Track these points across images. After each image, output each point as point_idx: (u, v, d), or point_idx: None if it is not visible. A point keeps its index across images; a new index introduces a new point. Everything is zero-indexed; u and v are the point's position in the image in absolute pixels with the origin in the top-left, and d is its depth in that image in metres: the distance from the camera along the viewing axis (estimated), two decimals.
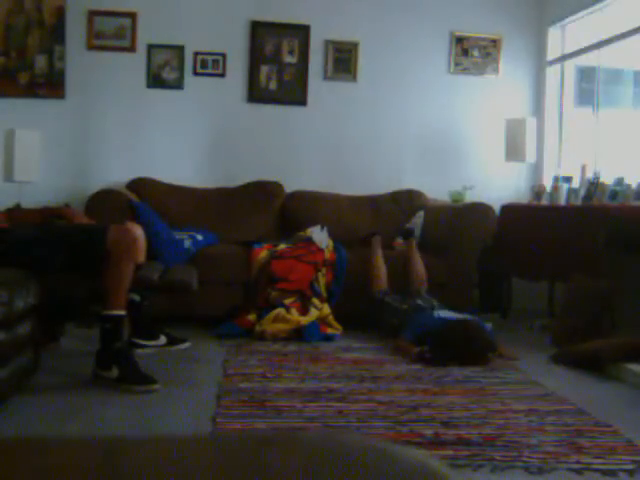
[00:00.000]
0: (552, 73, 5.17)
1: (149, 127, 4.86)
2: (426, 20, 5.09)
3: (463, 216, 4.22)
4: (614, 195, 3.97)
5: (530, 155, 4.91)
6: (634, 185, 3.91)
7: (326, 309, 3.89)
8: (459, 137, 5.16)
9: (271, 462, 0.50)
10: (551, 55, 5.15)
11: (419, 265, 4.05)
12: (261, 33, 4.93)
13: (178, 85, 4.87)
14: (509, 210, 4.57)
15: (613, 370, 3.08)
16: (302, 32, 4.96)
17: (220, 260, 3.98)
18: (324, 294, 3.97)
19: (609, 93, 4.91)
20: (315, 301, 3.89)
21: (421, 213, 4.62)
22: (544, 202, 4.59)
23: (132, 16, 4.77)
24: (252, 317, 3.77)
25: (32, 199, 4.23)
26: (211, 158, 4.94)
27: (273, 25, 4.94)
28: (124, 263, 2.61)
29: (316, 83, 5.01)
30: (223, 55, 4.90)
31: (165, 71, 4.85)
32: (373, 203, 4.80)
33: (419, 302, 3.74)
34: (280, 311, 3.73)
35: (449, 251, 4.14)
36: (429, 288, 4.02)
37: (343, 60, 5.02)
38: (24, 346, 2.43)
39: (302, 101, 4.99)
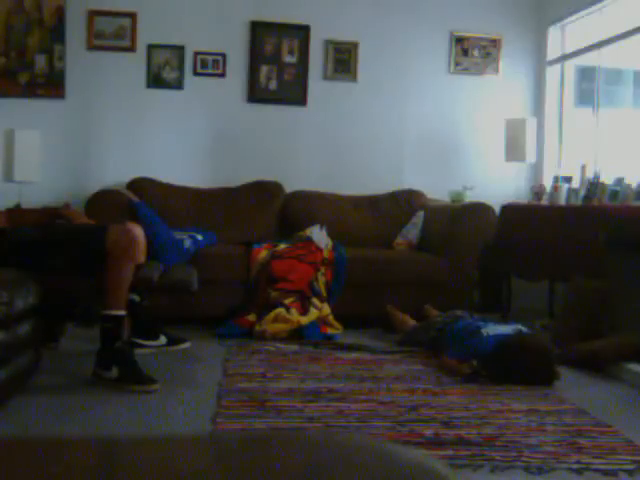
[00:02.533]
0: (552, 73, 5.17)
1: (149, 127, 4.86)
2: (426, 20, 5.09)
3: (463, 216, 4.22)
4: (614, 195, 3.97)
5: (530, 155, 4.91)
6: (634, 185, 3.91)
7: (326, 309, 3.89)
8: (459, 137, 5.16)
9: (271, 462, 0.50)
10: (551, 55, 5.15)
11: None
12: (261, 33, 4.93)
13: (178, 85, 4.87)
14: (509, 210, 4.57)
15: (613, 370, 3.08)
16: (302, 32, 4.96)
17: (220, 260, 3.98)
18: (324, 294, 3.97)
19: (609, 93, 4.91)
20: (315, 301, 3.89)
21: (421, 213, 4.62)
22: (544, 202, 4.59)
23: (132, 16, 4.77)
24: (252, 317, 3.77)
25: (32, 199, 4.23)
26: (211, 158, 4.94)
27: (273, 25, 4.94)
28: (124, 263, 2.61)
29: (316, 83, 5.01)
30: (223, 55, 4.90)
31: (165, 71, 4.85)
32: (373, 203, 4.80)
33: (457, 312, 3.53)
34: (280, 311, 3.73)
35: (449, 251, 4.14)
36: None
37: (343, 60, 5.02)
38: (24, 346, 2.43)
39: (302, 101, 4.99)
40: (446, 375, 2.97)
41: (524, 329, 3.10)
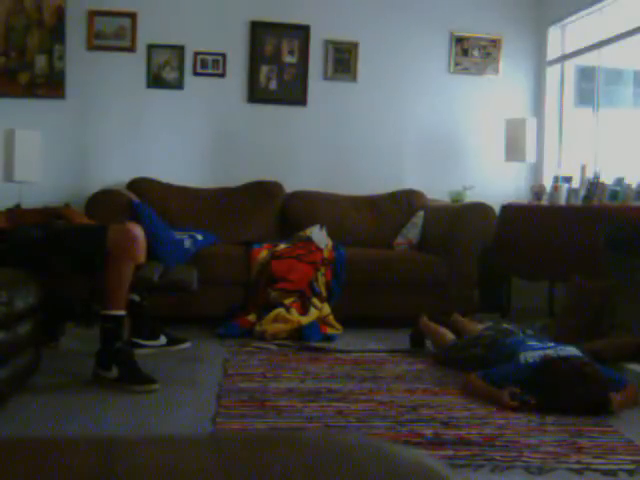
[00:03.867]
0: (552, 73, 5.17)
1: (149, 127, 4.85)
2: (426, 20, 5.09)
3: (463, 216, 4.22)
4: (614, 195, 3.97)
5: (530, 155, 4.91)
6: (634, 185, 3.91)
7: (326, 309, 3.89)
8: (459, 137, 5.16)
9: (271, 462, 0.50)
10: (551, 55, 5.15)
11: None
12: (261, 33, 4.93)
13: (178, 85, 4.87)
14: (509, 210, 4.57)
15: None
16: (302, 32, 4.96)
17: (220, 260, 3.98)
18: (324, 294, 3.97)
19: (609, 93, 4.92)
20: (315, 301, 3.89)
21: (421, 213, 4.62)
22: (544, 202, 4.59)
23: (132, 16, 4.77)
24: (252, 317, 3.77)
25: (32, 199, 4.23)
26: (211, 158, 4.94)
27: (273, 25, 4.94)
28: (124, 263, 2.61)
29: (316, 83, 5.01)
30: (223, 55, 4.90)
31: (165, 71, 4.85)
32: (373, 203, 4.80)
33: (504, 325, 3.09)
34: (280, 311, 3.73)
35: (449, 251, 4.15)
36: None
37: (343, 60, 5.02)
38: (24, 346, 2.43)
39: (302, 101, 4.99)
40: (474, 399, 2.59)
41: (569, 352, 2.69)
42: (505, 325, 3.07)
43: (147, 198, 4.39)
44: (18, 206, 4.04)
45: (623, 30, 4.36)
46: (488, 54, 5.17)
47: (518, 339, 2.89)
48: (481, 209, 4.21)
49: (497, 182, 5.09)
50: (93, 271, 2.66)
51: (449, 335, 3.28)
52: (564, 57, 5.09)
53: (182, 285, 3.29)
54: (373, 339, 3.71)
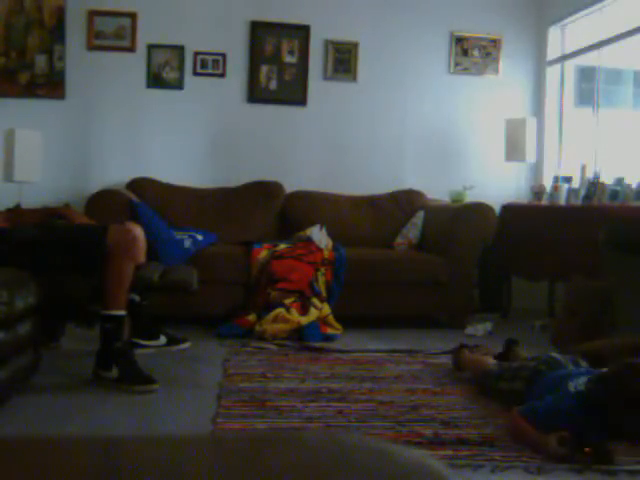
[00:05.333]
0: (552, 73, 5.17)
1: (149, 127, 4.86)
2: (426, 20, 5.09)
3: (463, 216, 4.22)
4: (614, 195, 3.97)
5: (530, 155, 4.91)
6: (634, 185, 3.92)
7: (326, 309, 3.89)
8: (459, 137, 5.16)
9: (271, 462, 0.50)
10: (551, 55, 5.15)
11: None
12: (261, 33, 4.94)
13: (178, 85, 4.87)
14: (509, 210, 4.57)
15: None
16: (302, 32, 4.96)
17: (220, 260, 3.98)
18: (324, 294, 3.97)
19: (609, 93, 4.92)
20: (315, 301, 3.89)
21: (421, 213, 4.62)
22: (544, 202, 4.59)
23: (132, 16, 4.77)
24: (252, 317, 3.77)
25: (32, 199, 4.23)
26: (211, 158, 4.94)
27: (273, 25, 4.95)
28: (124, 263, 2.61)
29: (316, 83, 5.01)
30: (223, 55, 4.90)
31: (165, 71, 4.85)
32: (373, 203, 4.80)
33: (554, 355, 2.57)
34: (280, 311, 3.73)
35: (449, 251, 4.15)
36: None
37: (343, 60, 5.03)
38: (24, 346, 2.43)
39: (302, 101, 5.00)
40: (515, 442, 2.13)
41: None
42: (554, 354, 2.60)
43: (147, 198, 4.39)
44: (18, 206, 4.04)
45: (623, 30, 4.36)
46: (488, 54, 5.17)
47: (567, 371, 2.37)
48: (481, 209, 4.21)
49: (497, 182, 5.09)
50: (93, 271, 2.66)
51: (485, 360, 2.87)
52: (564, 57, 5.09)
53: (182, 285, 3.29)
54: (373, 339, 3.71)
